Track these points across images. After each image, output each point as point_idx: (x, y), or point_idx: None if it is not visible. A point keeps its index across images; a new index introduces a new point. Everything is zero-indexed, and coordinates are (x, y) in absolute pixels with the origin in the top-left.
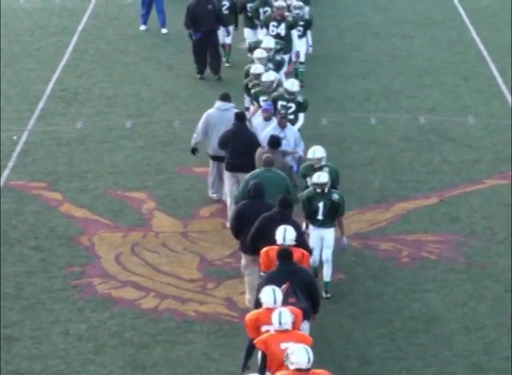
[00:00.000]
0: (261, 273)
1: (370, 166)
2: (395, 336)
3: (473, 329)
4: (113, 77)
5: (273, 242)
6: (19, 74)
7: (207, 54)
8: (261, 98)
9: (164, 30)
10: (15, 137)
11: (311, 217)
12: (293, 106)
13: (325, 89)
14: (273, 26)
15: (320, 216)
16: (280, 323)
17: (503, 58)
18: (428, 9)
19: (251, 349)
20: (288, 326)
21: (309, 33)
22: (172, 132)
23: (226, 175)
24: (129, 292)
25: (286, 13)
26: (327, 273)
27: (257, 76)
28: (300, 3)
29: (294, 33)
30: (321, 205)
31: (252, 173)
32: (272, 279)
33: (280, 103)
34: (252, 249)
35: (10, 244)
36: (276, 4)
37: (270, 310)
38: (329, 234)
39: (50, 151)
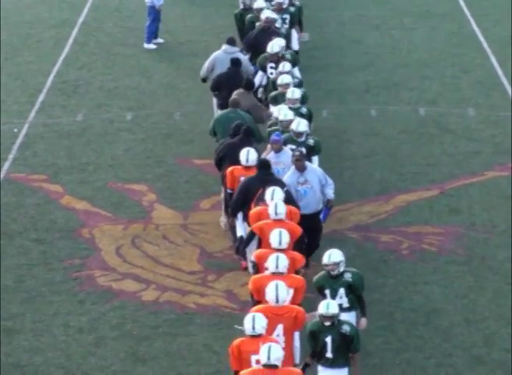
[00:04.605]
0: (228, 191)
1: (370, 158)
2: (395, 328)
3: (473, 321)
4: (113, 70)
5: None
6: (20, 67)
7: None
8: None
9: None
10: (15, 130)
11: (318, 355)
12: (302, 150)
13: (325, 81)
14: (271, 68)
15: (329, 354)
16: (276, 214)
17: (503, 49)
18: (428, 1)
19: (250, 237)
20: (282, 216)
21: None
22: (173, 124)
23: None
24: (130, 284)
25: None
26: None
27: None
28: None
29: (296, 71)
30: (329, 340)
31: (218, 113)
32: (249, 183)
33: (289, 147)
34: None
35: (11, 236)
36: (268, 49)
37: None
38: None
39: (50, 144)
